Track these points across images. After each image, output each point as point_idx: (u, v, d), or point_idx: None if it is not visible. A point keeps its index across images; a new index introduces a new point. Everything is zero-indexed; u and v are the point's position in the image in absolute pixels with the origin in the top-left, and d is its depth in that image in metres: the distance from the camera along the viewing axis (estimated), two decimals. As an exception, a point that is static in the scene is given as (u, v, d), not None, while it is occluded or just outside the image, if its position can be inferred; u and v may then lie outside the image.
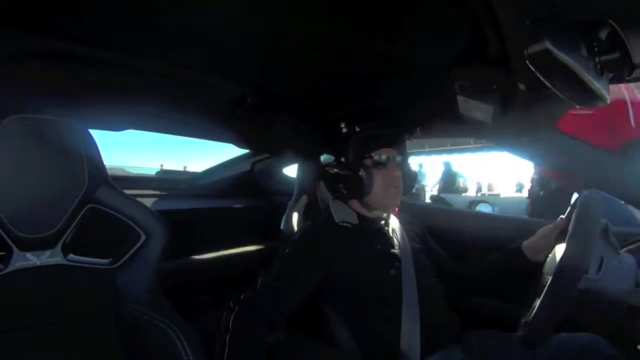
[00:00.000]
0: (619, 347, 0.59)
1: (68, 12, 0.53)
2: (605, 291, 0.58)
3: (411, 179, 0.97)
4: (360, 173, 0.89)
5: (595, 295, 0.59)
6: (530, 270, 0.80)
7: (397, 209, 1.02)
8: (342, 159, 0.94)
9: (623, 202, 0.80)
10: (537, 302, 0.61)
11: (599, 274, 0.59)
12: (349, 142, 0.93)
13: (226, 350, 0.72)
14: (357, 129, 0.93)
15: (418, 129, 0.98)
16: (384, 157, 0.90)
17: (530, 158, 0.91)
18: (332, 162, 0.96)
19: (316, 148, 1.22)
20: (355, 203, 0.96)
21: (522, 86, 0.57)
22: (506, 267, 0.91)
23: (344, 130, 0.94)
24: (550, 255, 0.75)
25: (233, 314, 0.77)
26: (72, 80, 0.73)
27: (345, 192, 0.94)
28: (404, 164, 0.94)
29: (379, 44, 0.62)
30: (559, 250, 0.68)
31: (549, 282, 0.60)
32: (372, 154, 0.90)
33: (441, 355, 0.80)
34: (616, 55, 0.41)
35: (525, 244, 0.87)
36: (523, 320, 0.62)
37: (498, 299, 1.08)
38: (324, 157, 1.01)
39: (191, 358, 0.61)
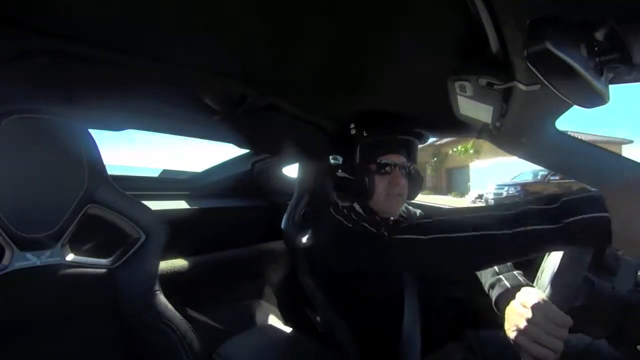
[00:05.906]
0: (619, 347, 0.59)
1: (68, 12, 0.53)
2: (605, 291, 0.58)
3: (417, 186, 0.96)
4: (364, 178, 0.88)
5: (595, 295, 0.59)
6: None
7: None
8: (349, 162, 0.93)
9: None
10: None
11: (599, 274, 0.59)
12: (356, 146, 0.91)
13: None
14: (365, 134, 0.91)
15: (426, 134, 0.97)
16: (390, 163, 0.89)
17: (530, 158, 0.91)
18: (339, 164, 0.95)
19: (316, 148, 1.22)
20: (358, 205, 0.96)
21: (522, 86, 0.57)
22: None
23: (353, 132, 0.92)
24: (546, 259, 0.75)
25: None
26: (72, 79, 0.73)
27: (349, 195, 0.93)
28: (410, 171, 0.93)
29: (378, 44, 0.62)
30: (554, 256, 0.68)
31: (550, 282, 0.60)
32: (378, 160, 0.89)
33: (441, 355, 0.80)
34: (616, 55, 0.41)
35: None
36: None
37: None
38: (332, 158, 1.00)
39: (191, 358, 0.61)
